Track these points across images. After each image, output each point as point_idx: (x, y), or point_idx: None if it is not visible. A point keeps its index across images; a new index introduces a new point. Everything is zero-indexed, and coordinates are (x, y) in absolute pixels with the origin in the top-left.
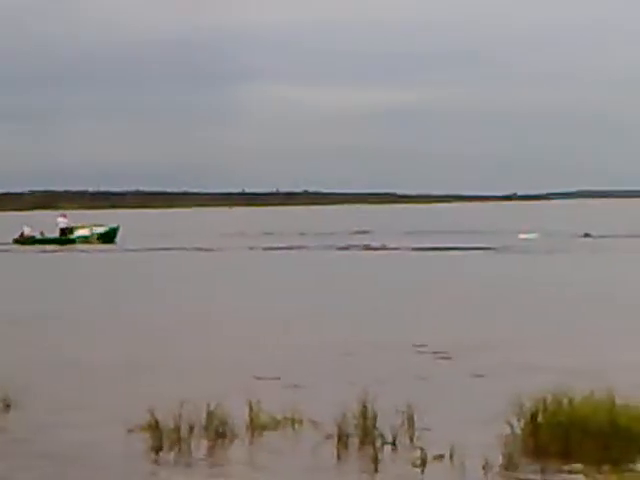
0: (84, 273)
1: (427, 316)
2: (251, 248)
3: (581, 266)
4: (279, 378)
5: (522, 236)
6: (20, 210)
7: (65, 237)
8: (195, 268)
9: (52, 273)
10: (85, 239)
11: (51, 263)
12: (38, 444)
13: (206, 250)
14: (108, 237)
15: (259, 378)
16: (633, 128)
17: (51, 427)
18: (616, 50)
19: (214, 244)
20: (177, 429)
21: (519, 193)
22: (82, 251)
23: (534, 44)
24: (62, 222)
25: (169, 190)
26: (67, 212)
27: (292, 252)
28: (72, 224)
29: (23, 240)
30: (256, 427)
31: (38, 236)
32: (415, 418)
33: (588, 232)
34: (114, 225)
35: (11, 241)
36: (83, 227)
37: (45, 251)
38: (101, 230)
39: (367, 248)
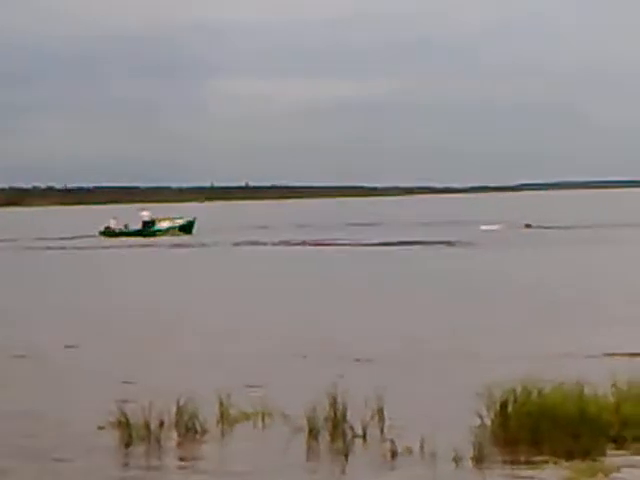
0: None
1: (390, 311)
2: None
3: (538, 258)
4: (249, 372)
5: (484, 227)
6: None
7: (148, 229)
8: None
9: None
10: (166, 231)
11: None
12: (8, 442)
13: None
14: (186, 229)
15: (230, 372)
16: (586, 121)
17: (20, 425)
18: (581, 43)
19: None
20: (147, 425)
21: (489, 184)
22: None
23: (501, 37)
24: (145, 215)
25: (138, 185)
26: (37, 209)
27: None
28: (154, 217)
29: (109, 232)
30: (226, 421)
31: (122, 228)
32: (385, 411)
33: (528, 223)
34: (191, 218)
35: (97, 233)
36: (164, 220)
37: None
38: (181, 222)
39: (330, 244)
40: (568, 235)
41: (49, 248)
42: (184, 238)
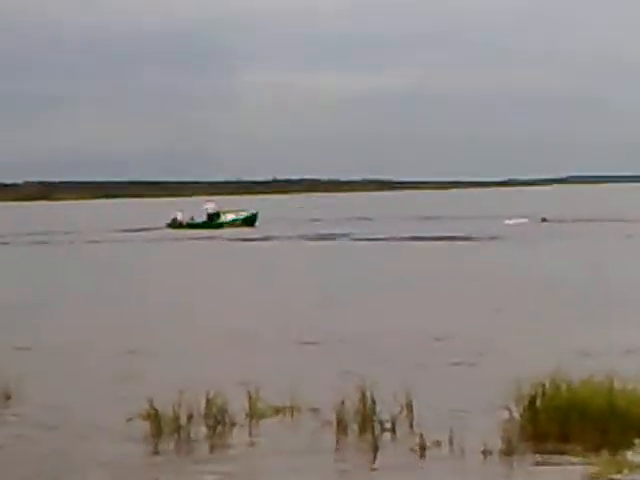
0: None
1: (419, 306)
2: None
3: (557, 252)
4: (278, 366)
5: (508, 222)
6: (15, 201)
7: (213, 221)
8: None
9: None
10: (231, 223)
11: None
12: (39, 434)
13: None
14: (250, 221)
15: (257, 366)
16: (618, 111)
17: (50, 417)
18: (599, 32)
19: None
20: (176, 417)
21: (516, 178)
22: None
23: (518, 26)
24: (210, 208)
25: (166, 179)
26: (62, 203)
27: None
28: (218, 209)
29: (175, 224)
30: (255, 415)
31: (189, 221)
32: (414, 404)
33: (544, 217)
34: (254, 211)
35: (164, 225)
36: (229, 212)
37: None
38: (245, 215)
39: (352, 239)
40: (584, 228)
41: (119, 241)
42: (248, 230)
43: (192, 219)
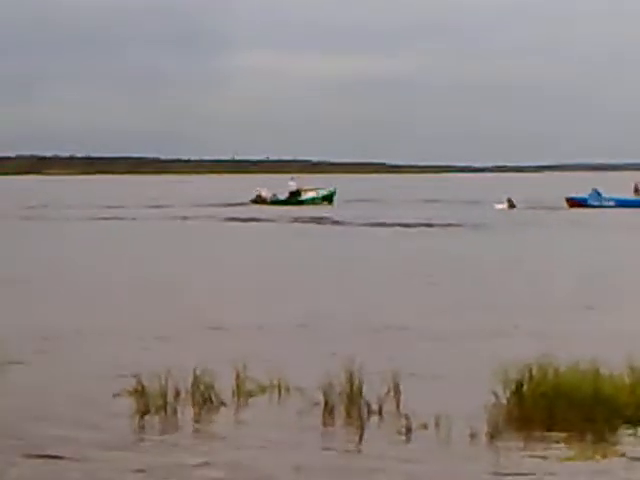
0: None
1: (404, 290)
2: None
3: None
4: (266, 345)
5: (498, 206)
6: (6, 174)
7: (294, 199)
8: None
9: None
10: (312, 200)
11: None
12: (23, 411)
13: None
14: (329, 199)
15: (245, 344)
16: (601, 103)
17: (35, 393)
18: (585, 25)
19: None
20: (163, 394)
21: (504, 164)
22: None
23: (503, 18)
24: (292, 185)
25: (159, 157)
26: (58, 178)
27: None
28: (300, 187)
29: (259, 201)
30: (242, 393)
31: (272, 197)
32: (401, 386)
33: (513, 204)
34: (332, 189)
35: (248, 201)
36: (309, 190)
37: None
38: (325, 193)
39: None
40: (546, 215)
41: (211, 216)
42: (328, 208)
43: (275, 196)
